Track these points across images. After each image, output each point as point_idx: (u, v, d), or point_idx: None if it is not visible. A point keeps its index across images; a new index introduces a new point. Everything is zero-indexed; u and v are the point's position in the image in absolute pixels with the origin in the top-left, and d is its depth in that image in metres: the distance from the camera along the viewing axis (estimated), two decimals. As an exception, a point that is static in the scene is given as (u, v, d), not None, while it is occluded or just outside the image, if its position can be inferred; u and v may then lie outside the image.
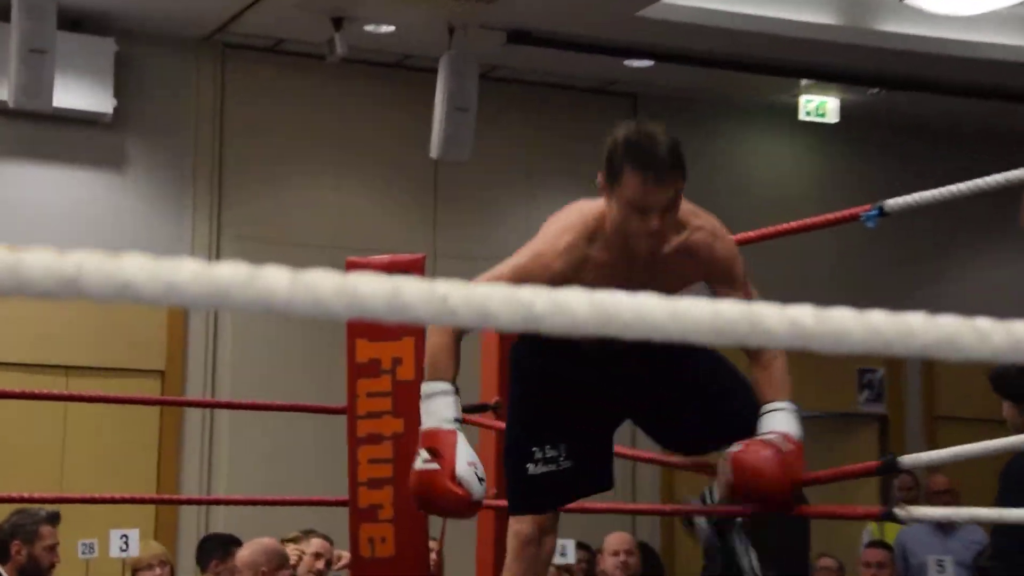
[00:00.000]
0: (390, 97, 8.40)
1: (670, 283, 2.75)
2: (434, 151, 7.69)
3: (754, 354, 2.81)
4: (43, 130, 7.54)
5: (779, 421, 2.75)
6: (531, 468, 2.90)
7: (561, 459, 2.90)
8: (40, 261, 0.92)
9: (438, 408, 2.70)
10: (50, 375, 7.41)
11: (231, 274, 0.96)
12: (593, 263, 2.77)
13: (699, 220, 2.85)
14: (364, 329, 4.33)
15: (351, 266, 4.52)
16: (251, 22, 7.66)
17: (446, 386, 2.73)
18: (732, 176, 9.09)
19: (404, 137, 8.36)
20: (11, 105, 6.91)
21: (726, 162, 9.10)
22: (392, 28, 7.70)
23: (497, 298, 1.02)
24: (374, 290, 0.98)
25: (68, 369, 7.53)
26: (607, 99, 8.80)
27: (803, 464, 2.66)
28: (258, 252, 7.99)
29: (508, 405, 3.04)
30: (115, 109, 7.52)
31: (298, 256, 7.95)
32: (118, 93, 7.55)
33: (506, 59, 8.17)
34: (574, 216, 2.83)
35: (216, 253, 7.97)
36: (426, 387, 2.74)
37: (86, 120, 7.60)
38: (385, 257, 4.58)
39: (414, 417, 4.12)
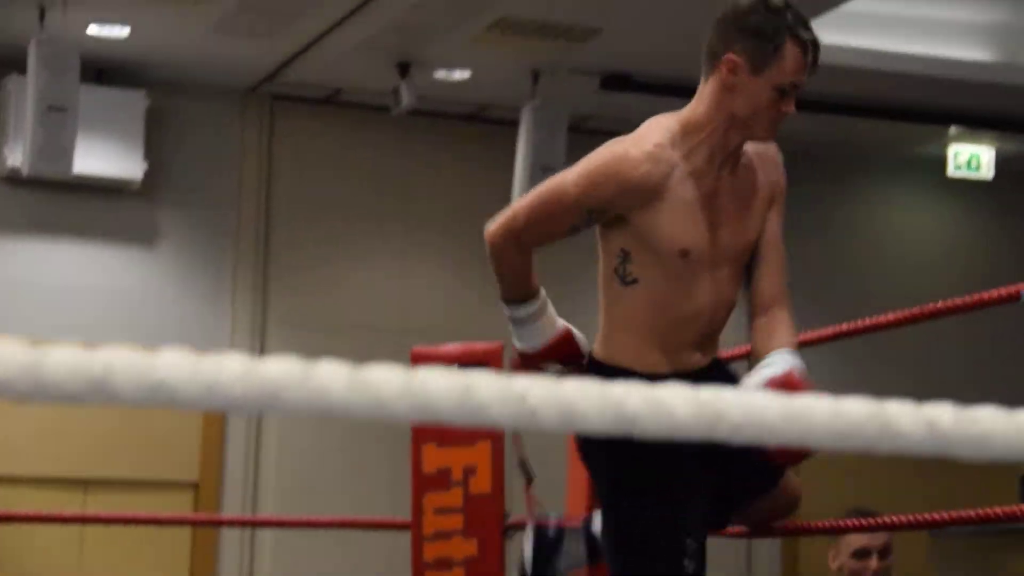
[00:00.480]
0: (464, 153, 8.50)
1: (749, 201, 3.00)
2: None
3: (759, 306, 3.05)
4: (63, 199, 7.73)
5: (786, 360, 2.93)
6: (687, 565, 2.91)
7: (703, 551, 2.95)
8: (64, 360, 0.97)
9: (538, 328, 3.11)
10: (66, 491, 7.51)
11: (281, 372, 1.00)
12: (680, 174, 2.92)
13: None
14: (432, 433, 4.34)
15: (417, 357, 4.55)
16: (305, 69, 7.82)
17: (535, 307, 3.14)
18: (868, 240, 9.05)
19: (480, 201, 8.44)
20: (26, 172, 7.09)
21: (861, 224, 9.07)
22: (467, 74, 7.82)
23: (585, 397, 1.05)
24: (444, 389, 1.02)
25: (87, 484, 7.62)
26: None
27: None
28: (309, 339, 8.09)
29: (623, 493, 3.00)
30: (145, 174, 7.68)
31: (355, 343, 8.03)
32: (149, 155, 7.71)
33: (600, 107, 8.24)
34: (653, 124, 2.99)
35: (261, 340, 8.08)
36: (518, 310, 3.14)
37: (112, 188, 7.77)
38: (457, 346, 4.61)
39: (491, 538, 4.12)
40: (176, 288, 7.95)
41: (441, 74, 7.82)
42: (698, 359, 3.01)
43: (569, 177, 3.01)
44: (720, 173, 2.97)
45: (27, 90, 6.93)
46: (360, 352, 8.11)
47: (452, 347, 4.63)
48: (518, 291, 3.14)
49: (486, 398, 1.03)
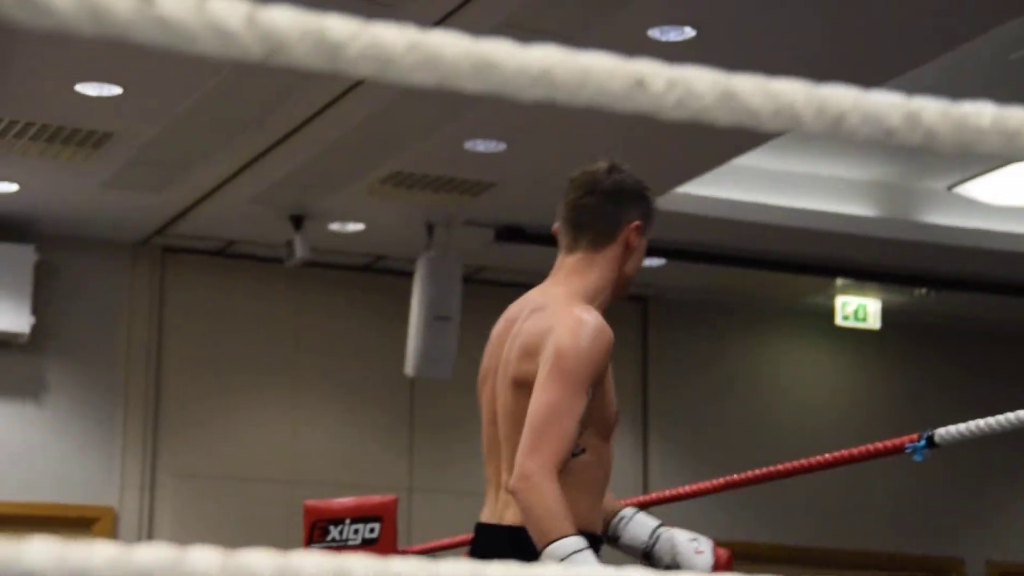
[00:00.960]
0: (358, 305, 8.48)
1: None
2: (410, 368, 7.72)
3: None
4: (-51, 354, 7.58)
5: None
6: None
7: None
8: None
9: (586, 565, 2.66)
10: None
11: (152, 559, 0.96)
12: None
13: None
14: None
15: (310, 511, 4.48)
16: (197, 222, 7.79)
17: (580, 541, 2.71)
18: (757, 389, 9.12)
19: (375, 352, 8.41)
20: (-89, 326, 6.96)
21: (749, 373, 9.15)
22: (361, 226, 7.83)
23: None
24: (317, 573, 0.98)
25: None
26: (612, 304, 8.88)
27: None
28: (202, 490, 7.95)
29: None
30: (33, 328, 7.58)
31: (248, 495, 7.90)
32: (37, 309, 7.61)
33: (495, 259, 8.29)
34: (566, 294, 2.99)
35: (151, 494, 7.92)
36: (556, 548, 2.70)
37: (0, 342, 7.65)
38: (350, 500, 4.54)
39: None
40: (64, 442, 7.79)
41: (335, 226, 7.82)
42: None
43: (564, 369, 2.85)
44: None
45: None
46: (252, 505, 7.98)
47: (346, 500, 4.55)
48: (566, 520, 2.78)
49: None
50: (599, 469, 2.94)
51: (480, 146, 6.77)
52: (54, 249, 7.80)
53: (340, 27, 1.00)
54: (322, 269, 8.29)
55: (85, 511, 7.72)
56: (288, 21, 0.99)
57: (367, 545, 4.34)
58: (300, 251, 7.62)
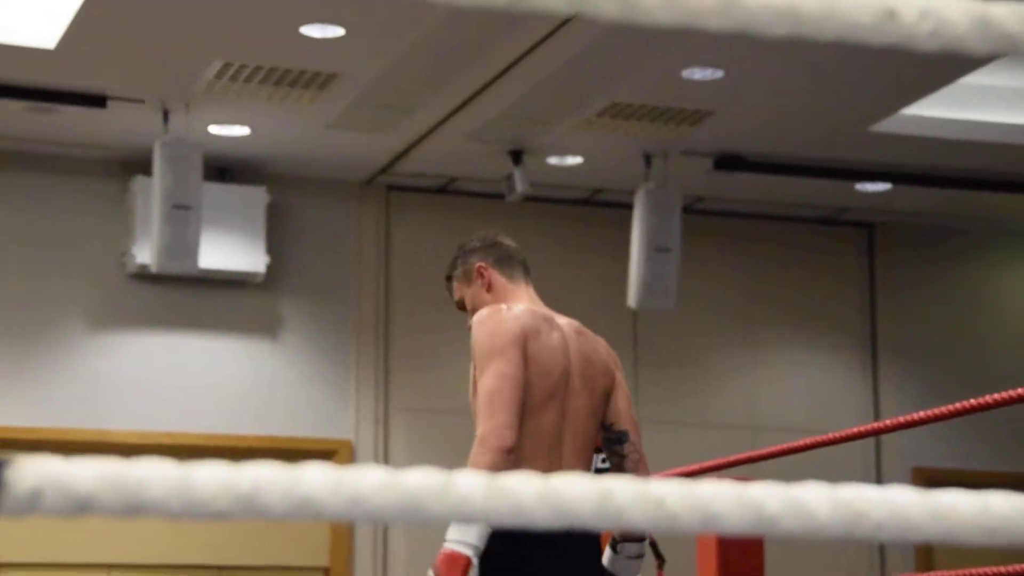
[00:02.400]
0: (579, 239, 8.53)
1: None
2: (632, 300, 7.75)
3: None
4: (189, 295, 7.87)
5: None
6: None
7: None
8: (212, 478, 0.98)
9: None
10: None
11: (421, 483, 1.01)
12: None
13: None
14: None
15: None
16: (419, 160, 7.92)
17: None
18: (986, 313, 8.91)
19: (596, 285, 8.46)
20: (154, 269, 7.24)
21: (978, 297, 8.93)
22: (580, 160, 7.86)
23: (723, 499, 1.04)
24: (582, 495, 1.02)
25: (221, 570, 7.71)
26: (837, 231, 8.78)
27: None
28: (433, 423, 8.12)
29: None
30: (268, 267, 7.80)
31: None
32: (271, 250, 7.83)
33: (714, 189, 8.24)
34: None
35: (385, 426, 8.12)
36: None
37: (236, 281, 7.90)
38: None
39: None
40: (300, 377, 8.03)
41: (554, 160, 7.87)
42: None
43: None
44: None
45: (153, 190, 7.09)
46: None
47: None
48: None
49: (624, 501, 1.03)
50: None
51: (697, 74, 6.73)
52: (284, 190, 8.02)
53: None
54: (541, 203, 8.35)
55: (323, 444, 7.96)
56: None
57: (599, 474, 4.41)
58: (520, 186, 7.69)
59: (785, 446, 4.45)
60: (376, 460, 8.09)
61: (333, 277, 8.18)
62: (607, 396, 3.48)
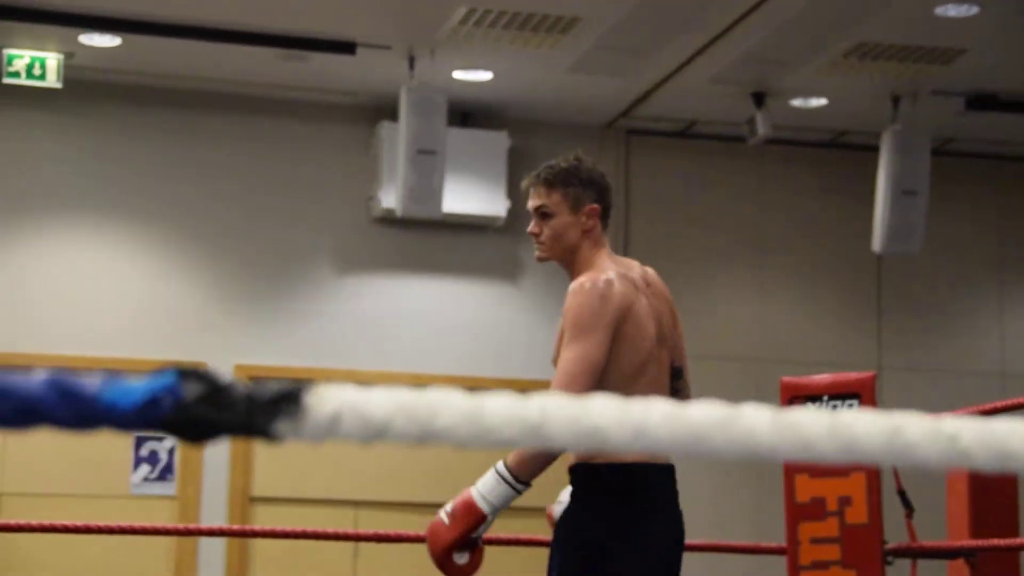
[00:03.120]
0: (822, 182, 8.39)
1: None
2: (877, 244, 7.59)
3: None
4: (432, 238, 8.00)
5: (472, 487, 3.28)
6: None
7: None
8: (501, 407, 1.00)
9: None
10: (339, 509, 7.75)
11: (706, 416, 1.01)
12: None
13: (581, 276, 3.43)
14: (804, 463, 4.30)
15: (787, 387, 4.52)
16: (659, 104, 7.88)
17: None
18: None
19: (840, 229, 8.31)
20: (400, 213, 7.37)
21: None
22: (824, 101, 7.72)
23: (1021, 437, 1.02)
24: (872, 429, 1.01)
25: (357, 504, 7.83)
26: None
27: (447, 530, 3.21)
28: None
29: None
30: (508, 212, 7.88)
31: (717, 372, 8.01)
32: (512, 194, 7.90)
33: (965, 129, 8.01)
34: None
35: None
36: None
37: (478, 225, 8.00)
38: (827, 377, 4.55)
39: (871, 568, 4.05)
40: (539, 320, 8.11)
41: (797, 102, 7.74)
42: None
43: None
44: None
45: (399, 136, 7.21)
46: (719, 383, 8.09)
47: (823, 377, 4.57)
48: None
49: (914, 439, 1.01)
50: None
51: (951, 11, 6.52)
52: (526, 134, 8.07)
53: None
54: (784, 146, 8.23)
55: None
56: None
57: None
58: (762, 128, 7.59)
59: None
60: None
61: (573, 221, 8.20)
62: (677, 338, 3.47)
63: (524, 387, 7.95)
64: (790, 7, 6.51)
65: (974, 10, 6.50)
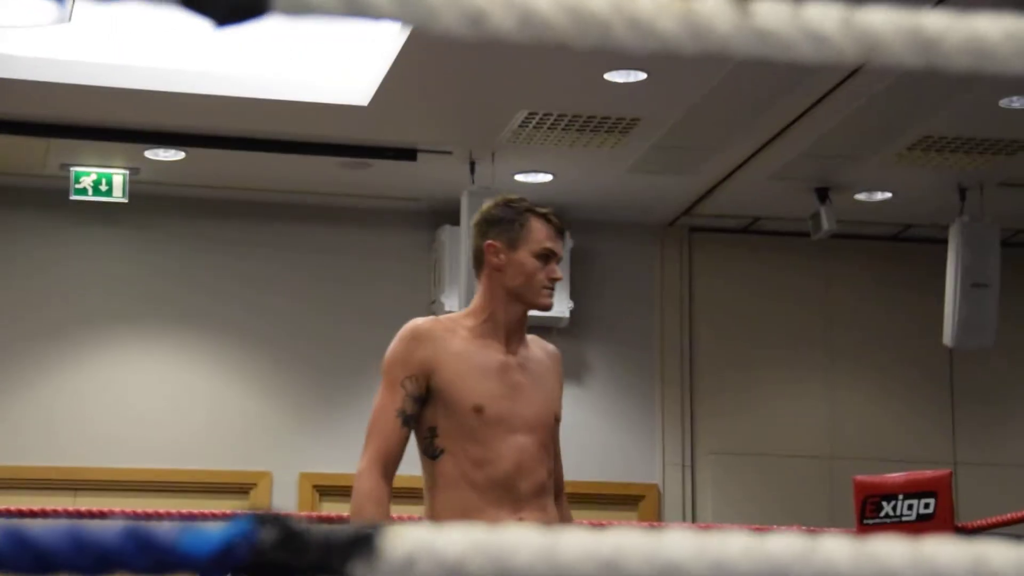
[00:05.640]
0: (890, 275, 8.35)
1: (543, 382, 3.39)
2: (948, 338, 7.53)
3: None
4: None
5: None
6: None
7: None
8: (576, 543, 1.00)
9: None
10: None
11: (785, 547, 1.01)
12: (467, 337, 3.32)
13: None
14: None
15: (860, 487, 4.48)
16: (721, 201, 7.89)
17: None
18: None
19: (909, 322, 8.26)
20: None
21: None
22: (889, 195, 7.71)
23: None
24: (955, 558, 1.00)
25: None
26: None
27: None
28: (741, 467, 8.06)
29: None
30: (572, 312, 7.89)
31: (788, 470, 7.94)
32: (575, 295, 7.92)
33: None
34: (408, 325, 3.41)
35: (692, 470, 8.09)
36: None
37: (542, 327, 7.99)
38: (901, 475, 4.51)
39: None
40: (607, 422, 8.09)
41: (862, 196, 7.73)
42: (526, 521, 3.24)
43: (375, 422, 3.39)
44: (509, 348, 3.37)
45: (460, 239, 7.26)
46: (791, 480, 8.02)
47: (897, 475, 4.53)
48: None
49: (1000, 569, 1.00)
50: (477, 469, 3.25)
51: (1016, 102, 6.52)
52: (587, 234, 8.10)
53: (935, 21, 1.02)
54: (850, 240, 8.22)
55: (630, 488, 7.99)
56: (884, 20, 1.02)
57: (922, 521, 4.30)
58: (827, 223, 7.58)
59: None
60: (684, 505, 8.06)
61: (637, 320, 8.21)
62: None
63: (594, 489, 7.90)
64: (852, 102, 6.53)
65: (1039, 101, 6.50)
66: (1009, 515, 4.77)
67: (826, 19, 1.04)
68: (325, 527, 0.99)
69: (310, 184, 7.69)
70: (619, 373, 8.17)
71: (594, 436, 8.04)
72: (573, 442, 8.06)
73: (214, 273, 7.84)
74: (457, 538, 0.99)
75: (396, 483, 3.34)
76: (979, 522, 5.30)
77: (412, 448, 3.31)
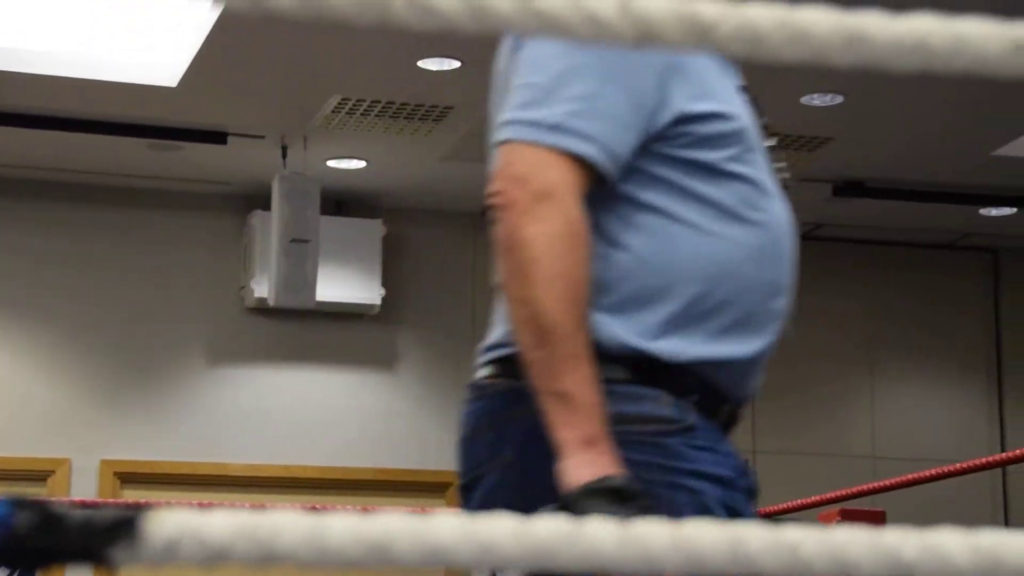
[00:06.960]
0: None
1: None
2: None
3: None
4: (306, 328, 7.95)
5: None
6: None
7: None
8: (344, 527, 0.99)
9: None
10: None
11: (551, 531, 1.01)
12: None
13: None
14: None
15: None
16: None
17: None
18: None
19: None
20: (272, 303, 7.33)
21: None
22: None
23: (858, 545, 1.03)
24: (710, 541, 1.01)
25: None
26: (960, 255, 8.64)
27: None
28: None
29: None
30: (384, 300, 7.86)
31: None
32: (387, 282, 7.90)
33: (832, 215, 8.17)
34: None
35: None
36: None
37: (352, 314, 7.97)
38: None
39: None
40: (416, 410, 8.08)
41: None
42: None
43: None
44: None
45: (271, 225, 7.18)
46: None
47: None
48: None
49: (756, 549, 1.02)
50: None
51: (816, 100, 6.68)
52: (401, 222, 8.08)
53: (710, 10, 1.03)
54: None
55: (440, 476, 7.99)
56: (661, 6, 1.03)
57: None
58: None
59: (907, 477, 4.38)
60: (494, 492, 8.09)
61: (449, 309, 8.22)
62: None
63: (401, 477, 7.91)
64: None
65: (839, 99, 6.66)
66: (802, 500, 4.90)
67: (604, 3, 1.04)
68: (86, 511, 0.96)
69: (118, 166, 7.53)
70: (432, 360, 8.17)
71: (406, 423, 8.03)
72: (383, 429, 8.04)
73: (17, 256, 7.63)
74: (222, 522, 0.97)
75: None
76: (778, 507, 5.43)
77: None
